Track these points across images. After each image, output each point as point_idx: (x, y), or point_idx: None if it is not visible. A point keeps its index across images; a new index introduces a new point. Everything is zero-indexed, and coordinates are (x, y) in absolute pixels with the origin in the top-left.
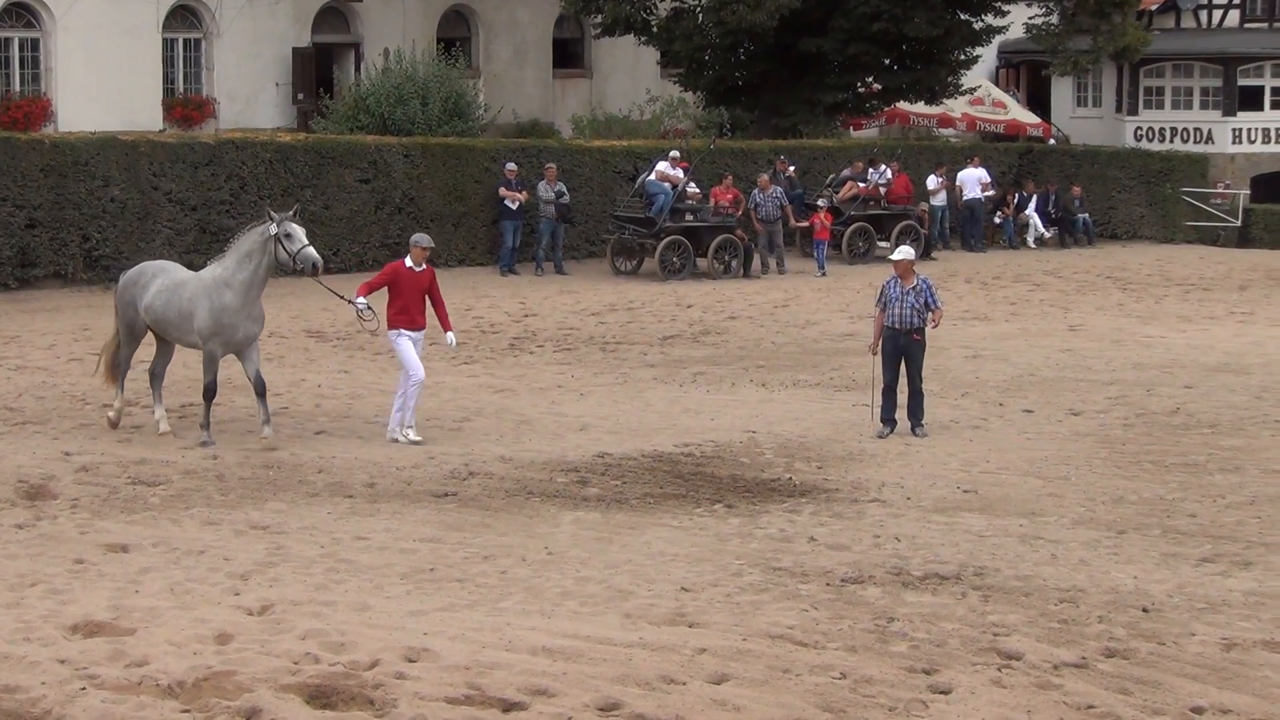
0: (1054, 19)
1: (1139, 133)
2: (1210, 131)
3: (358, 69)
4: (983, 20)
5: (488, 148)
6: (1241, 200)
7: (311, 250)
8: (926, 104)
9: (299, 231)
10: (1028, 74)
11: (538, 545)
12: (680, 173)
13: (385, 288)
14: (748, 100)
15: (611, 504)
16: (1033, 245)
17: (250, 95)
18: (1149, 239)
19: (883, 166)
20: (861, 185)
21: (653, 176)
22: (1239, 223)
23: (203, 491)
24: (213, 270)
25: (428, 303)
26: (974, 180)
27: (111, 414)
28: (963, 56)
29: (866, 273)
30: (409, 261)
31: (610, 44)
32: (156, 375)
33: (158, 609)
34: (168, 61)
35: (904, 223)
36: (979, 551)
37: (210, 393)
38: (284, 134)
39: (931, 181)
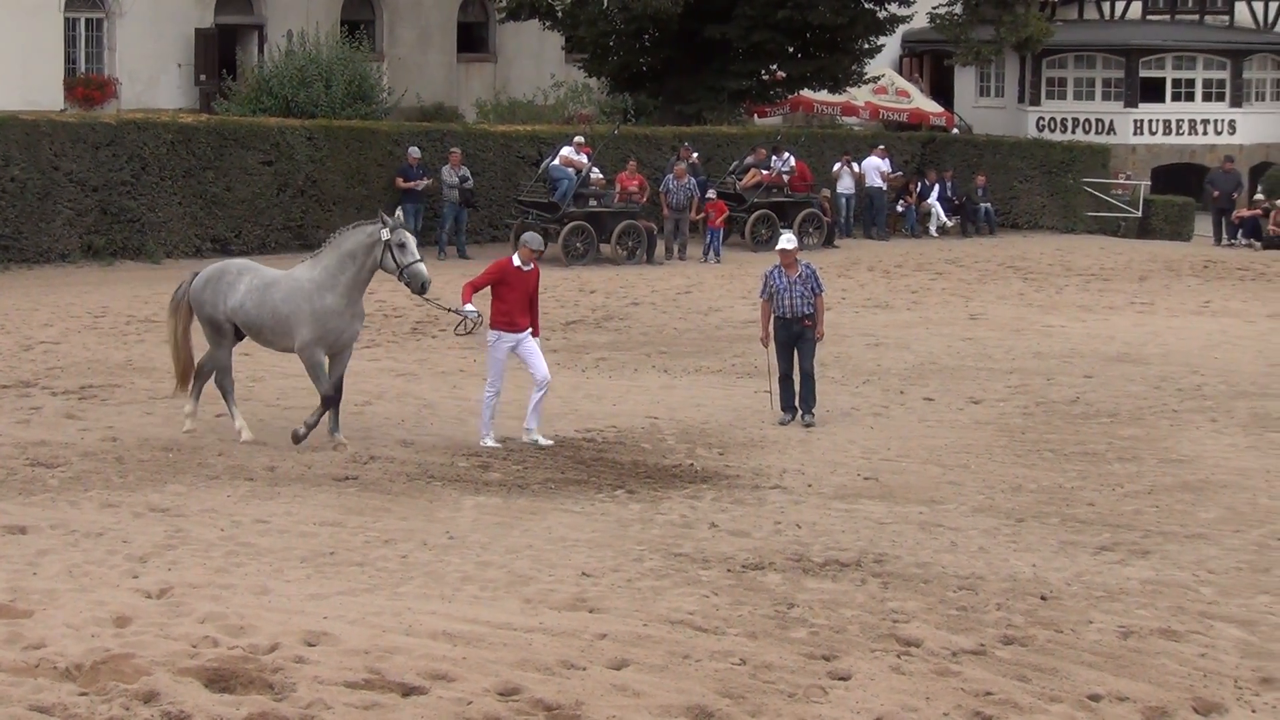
0: (957, 9)
1: (1041, 123)
2: (1112, 122)
3: (261, 51)
4: (886, 9)
5: (391, 131)
6: (1142, 191)
7: (423, 267)
8: (830, 92)
9: (412, 242)
10: (931, 63)
11: (439, 530)
12: (584, 158)
13: (489, 287)
14: (652, 86)
15: (513, 489)
16: (935, 234)
17: (152, 76)
18: (1050, 229)
19: (786, 154)
20: (765, 172)
21: (556, 162)
22: (1139, 214)
23: (101, 474)
24: (307, 270)
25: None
26: (875, 169)
27: (189, 424)
28: (866, 45)
29: (770, 260)
30: (516, 260)
31: (515, 29)
32: (205, 373)
33: (55, 591)
34: (69, 41)
35: (807, 210)
36: (879, 538)
37: (331, 401)
38: (186, 115)
39: (837, 169)
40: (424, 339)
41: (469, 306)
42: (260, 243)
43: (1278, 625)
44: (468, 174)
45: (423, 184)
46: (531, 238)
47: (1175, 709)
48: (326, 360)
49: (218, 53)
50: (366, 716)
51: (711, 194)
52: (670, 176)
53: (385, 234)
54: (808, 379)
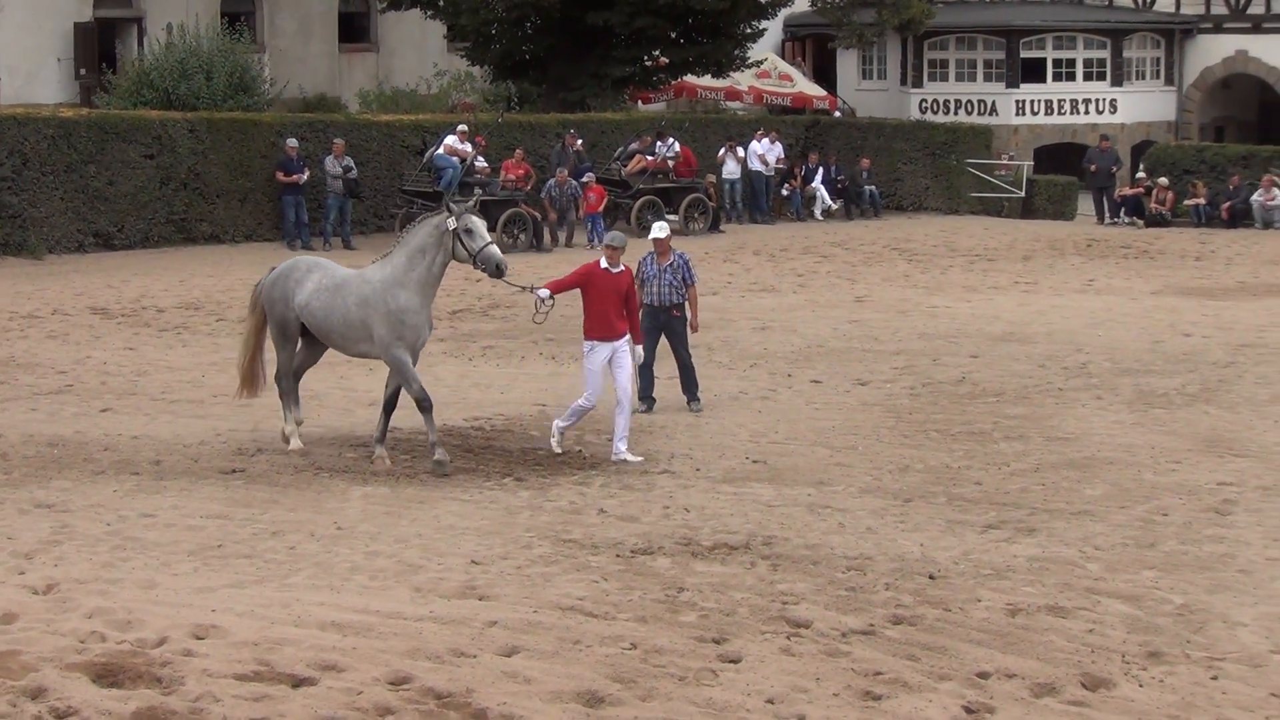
0: None
1: (924, 105)
2: (994, 103)
3: (141, 44)
4: None
5: (274, 123)
6: (1025, 171)
7: (495, 250)
8: (713, 77)
9: (480, 226)
10: (813, 47)
11: (327, 521)
12: (468, 147)
13: (577, 290)
14: (535, 74)
15: (401, 478)
16: (819, 217)
17: (31, 70)
18: (934, 210)
19: (670, 140)
20: (649, 159)
21: (441, 151)
22: (1022, 194)
23: None
24: (378, 270)
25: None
26: (758, 153)
27: (295, 442)
28: (749, 30)
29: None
30: (603, 262)
31: (396, 18)
32: (297, 378)
33: None
34: None
35: (692, 196)
36: (768, 521)
37: (427, 404)
38: (66, 109)
39: (722, 154)
40: None
41: (544, 290)
42: (144, 237)
43: (1163, 600)
44: (351, 164)
45: (303, 177)
46: (615, 236)
47: (1063, 685)
48: (409, 358)
49: (97, 46)
50: (256, 708)
51: (589, 178)
52: (553, 182)
53: (451, 223)
54: (686, 368)
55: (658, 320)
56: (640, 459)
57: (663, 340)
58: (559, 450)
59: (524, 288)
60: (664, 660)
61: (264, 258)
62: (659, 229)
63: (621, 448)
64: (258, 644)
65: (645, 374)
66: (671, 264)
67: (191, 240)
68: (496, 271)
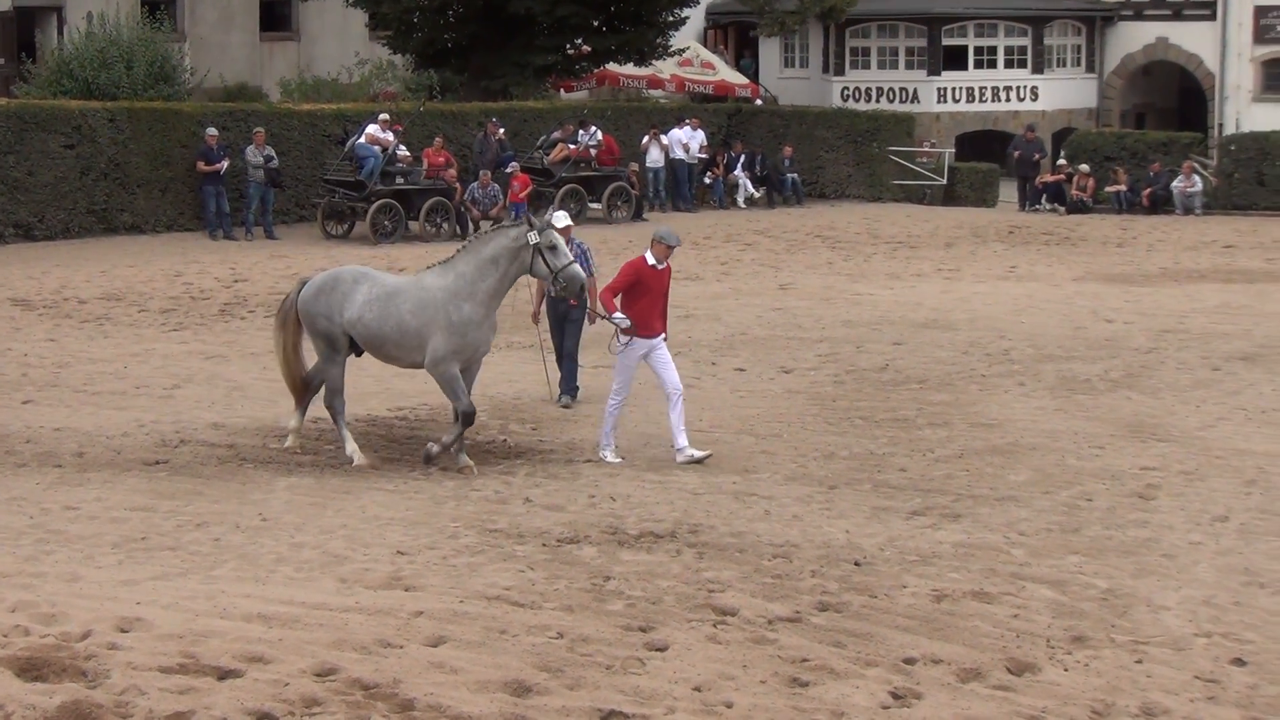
0: None
1: (846, 93)
2: (915, 91)
3: (60, 33)
4: None
5: (195, 112)
6: (946, 159)
7: (578, 269)
8: (636, 65)
9: (562, 243)
10: (735, 35)
11: (252, 512)
12: (390, 136)
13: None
14: (457, 63)
15: (326, 469)
16: (742, 205)
17: None
18: (857, 198)
19: (593, 128)
20: (572, 147)
21: (362, 140)
22: (944, 181)
23: None
24: (438, 278)
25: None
26: (681, 140)
27: (291, 440)
28: (671, 18)
29: (579, 234)
30: (650, 259)
31: (318, 6)
32: (314, 387)
33: None
34: None
35: (615, 184)
36: (693, 509)
37: (470, 418)
38: None
39: (645, 142)
40: (232, 320)
41: (620, 316)
42: (64, 227)
43: (1088, 585)
44: (273, 154)
45: (224, 166)
46: (669, 234)
47: (989, 670)
48: (459, 372)
49: (16, 36)
50: (182, 701)
51: (514, 167)
52: (475, 185)
53: (534, 237)
54: (570, 360)
55: (557, 310)
56: (708, 453)
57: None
58: (617, 460)
59: (603, 315)
60: (591, 649)
61: (185, 247)
62: (560, 218)
63: (683, 441)
64: (183, 636)
65: (568, 366)
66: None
67: (112, 230)
68: (579, 293)
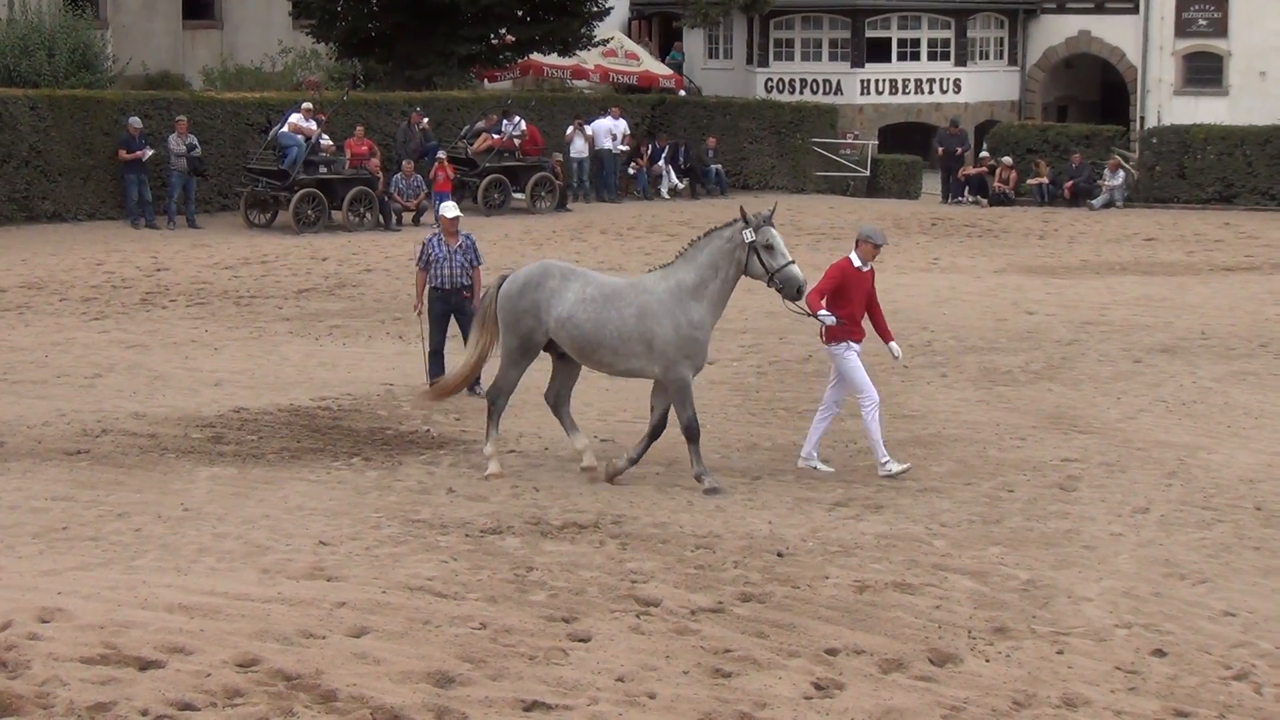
0: None
1: (769, 84)
2: (839, 83)
3: None
4: None
5: (117, 100)
6: (870, 150)
7: (796, 269)
8: (560, 56)
9: (780, 242)
10: (660, 25)
11: (173, 502)
12: (314, 125)
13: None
14: (381, 52)
15: (248, 459)
16: (666, 196)
17: None
18: (780, 189)
19: (517, 118)
20: (496, 137)
21: (285, 129)
22: (867, 173)
23: None
24: (661, 280)
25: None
26: (606, 131)
27: (494, 466)
28: (595, 8)
29: (502, 224)
30: (856, 260)
31: None
32: (562, 403)
33: None
34: None
35: (539, 174)
36: (616, 500)
37: (695, 432)
38: None
39: (570, 132)
40: (154, 309)
41: (826, 313)
42: None
43: (1009, 576)
44: (195, 142)
45: (146, 154)
46: (876, 232)
47: (911, 660)
48: (691, 379)
49: None
50: (103, 692)
51: (441, 155)
52: (398, 176)
53: (749, 235)
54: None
55: (449, 303)
56: (831, 468)
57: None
58: (904, 466)
59: (810, 314)
60: (514, 640)
61: (107, 236)
62: (449, 208)
63: (814, 453)
64: (104, 627)
65: (436, 360)
66: (461, 245)
67: (33, 219)
68: (797, 294)
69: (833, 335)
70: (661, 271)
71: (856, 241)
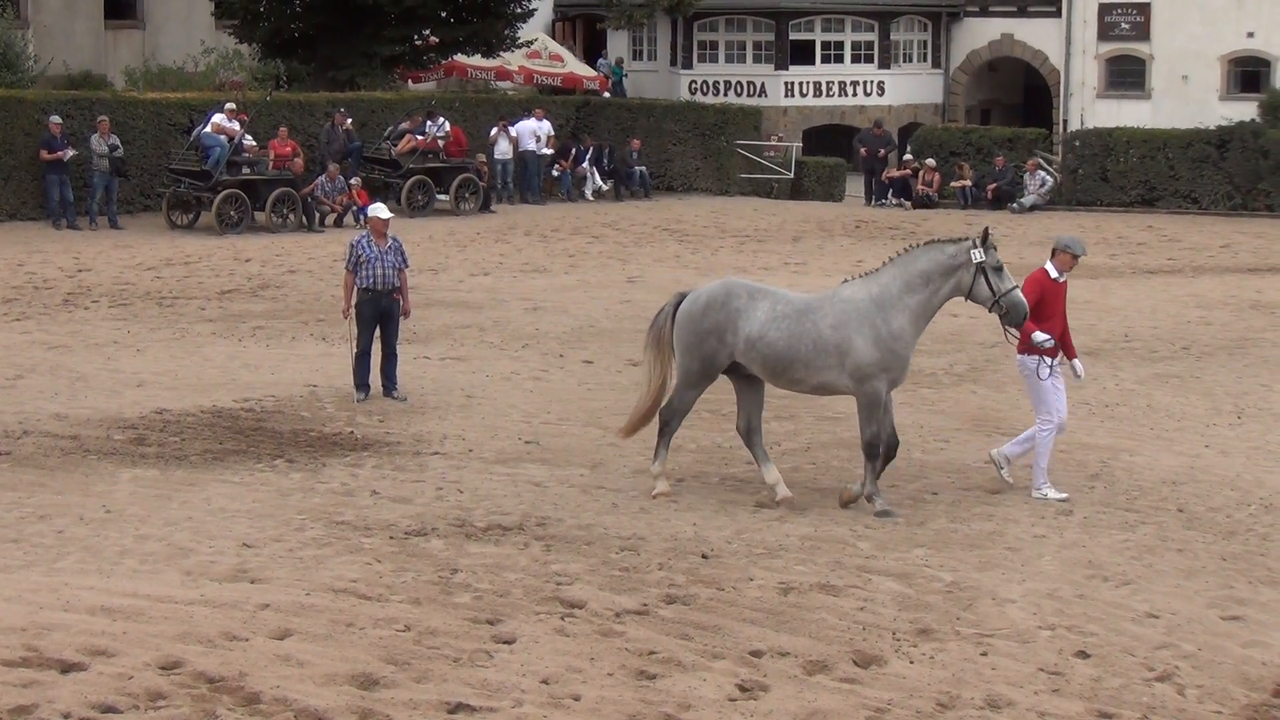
0: None
1: (694, 86)
2: (763, 85)
3: None
4: None
5: (38, 100)
6: (794, 153)
7: (1021, 296)
8: (484, 57)
9: (1005, 267)
10: (584, 27)
11: (95, 504)
12: (236, 125)
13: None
14: (304, 52)
15: (170, 461)
16: (590, 198)
17: None
18: (704, 191)
19: (440, 119)
20: (419, 138)
21: (208, 129)
22: (791, 175)
23: None
24: (859, 288)
25: None
26: (530, 132)
27: (662, 485)
28: (519, 9)
29: (425, 226)
30: (1053, 271)
31: None
32: (754, 431)
33: None
34: None
35: (463, 175)
36: (541, 502)
37: (876, 451)
38: None
39: (494, 134)
40: (76, 310)
41: (1041, 334)
42: None
43: (933, 578)
44: (117, 143)
45: (68, 154)
46: (1075, 242)
47: (835, 662)
48: (886, 394)
49: None
50: (25, 695)
51: (356, 181)
52: (323, 178)
53: (978, 255)
54: (393, 357)
55: (379, 305)
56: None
57: None
58: (1062, 495)
59: (1018, 339)
60: (438, 642)
61: (29, 237)
62: (381, 209)
63: (1007, 459)
64: (25, 629)
65: (363, 361)
66: (390, 246)
67: None
68: (1020, 320)
69: (1027, 349)
70: (862, 280)
71: (1053, 251)
